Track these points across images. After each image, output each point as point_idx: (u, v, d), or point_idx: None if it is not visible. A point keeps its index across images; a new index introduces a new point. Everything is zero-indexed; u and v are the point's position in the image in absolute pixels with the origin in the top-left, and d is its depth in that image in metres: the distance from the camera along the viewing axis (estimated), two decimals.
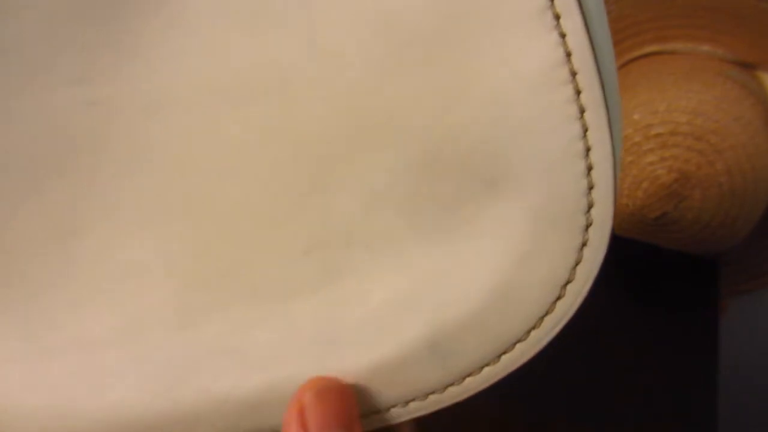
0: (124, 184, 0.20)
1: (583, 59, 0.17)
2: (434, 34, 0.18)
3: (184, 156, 0.20)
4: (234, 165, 0.20)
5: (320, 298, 0.20)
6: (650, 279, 0.44)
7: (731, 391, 0.39)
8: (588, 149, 0.18)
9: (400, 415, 0.20)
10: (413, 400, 0.20)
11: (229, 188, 0.20)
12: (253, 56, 0.19)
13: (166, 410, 0.21)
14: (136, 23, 0.19)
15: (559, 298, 0.19)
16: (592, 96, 0.17)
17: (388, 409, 0.20)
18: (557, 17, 0.17)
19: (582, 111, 0.17)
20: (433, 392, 0.20)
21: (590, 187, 0.18)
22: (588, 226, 0.18)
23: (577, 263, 0.19)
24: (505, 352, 0.19)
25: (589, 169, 0.18)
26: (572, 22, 0.17)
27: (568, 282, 0.19)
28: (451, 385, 0.20)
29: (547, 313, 0.19)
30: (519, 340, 0.19)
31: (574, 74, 0.17)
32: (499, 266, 0.19)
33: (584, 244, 0.18)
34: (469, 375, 0.20)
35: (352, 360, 0.20)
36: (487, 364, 0.20)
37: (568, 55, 0.17)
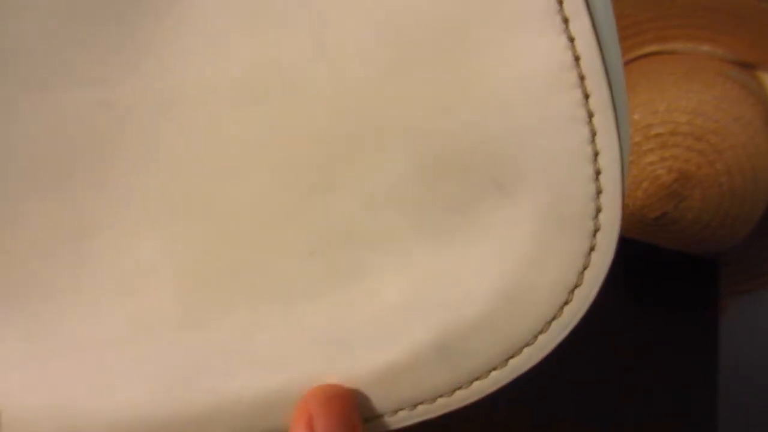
0: (132, 185, 0.20)
1: (591, 64, 0.17)
2: (440, 35, 0.18)
3: (188, 156, 0.20)
4: (236, 165, 0.20)
5: (327, 298, 0.20)
6: (650, 279, 0.44)
7: (731, 391, 0.39)
8: (596, 154, 0.18)
9: (408, 417, 0.20)
10: (421, 403, 0.20)
11: (233, 188, 0.20)
12: (253, 56, 0.19)
13: (175, 410, 0.21)
14: (150, 21, 0.19)
15: (566, 302, 0.19)
16: (600, 100, 0.17)
17: (396, 411, 0.20)
18: (566, 21, 0.17)
19: (590, 115, 0.17)
20: (441, 395, 0.20)
21: (598, 192, 0.18)
22: (596, 231, 0.18)
23: (584, 268, 0.19)
24: (512, 356, 0.19)
25: (598, 173, 0.18)
26: (581, 26, 0.17)
27: (575, 286, 0.19)
28: (459, 388, 0.20)
29: (554, 318, 0.19)
30: (527, 344, 0.19)
31: (582, 78, 0.17)
32: (507, 269, 0.19)
33: (592, 249, 0.18)
34: (476, 378, 0.20)
35: (360, 361, 0.20)
36: (495, 368, 0.20)
37: (577, 59, 0.17)
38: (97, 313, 0.21)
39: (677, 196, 0.43)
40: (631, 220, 0.44)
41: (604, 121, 0.17)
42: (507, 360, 0.20)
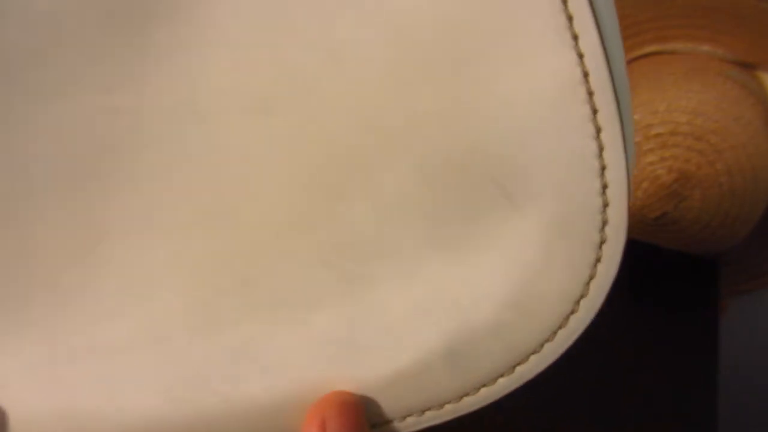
0: (145, 192, 0.20)
1: (600, 80, 0.17)
2: (452, 48, 0.18)
3: (201, 164, 0.20)
4: (250, 174, 0.20)
5: (339, 306, 0.20)
6: (650, 279, 0.44)
7: (731, 391, 0.39)
8: (603, 168, 0.18)
9: (416, 423, 0.21)
10: (429, 409, 0.21)
11: (246, 197, 0.20)
12: (266, 66, 0.19)
13: (186, 416, 0.21)
14: (163, 31, 0.19)
15: (572, 312, 0.19)
16: (608, 116, 0.17)
17: (404, 417, 0.21)
18: (575, 38, 0.17)
19: (599, 131, 0.18)
20: (449, 401, 0.20)
21: (605, 205, 0.18)
22: (602, 242, 0.19)
23: (590, 278, 0.19)
24: (519, 363, 0.20)
25: (605, 187, 0.18)
26: (590, 43, 0.17)
27: (581, 297, 0.19)
28: (467, 394, 0.20)
29: (560, 327, 0.19)
30: (533, 352, 0.20)
31: (590, 94, 0.17)
32: (515, 278, 0.19)
33: (598, 260, 0.19)
34: (484, 385, 0.20)
35: (370, 368, 0.20)
36: (503, 375, 0.20)
37: (586, 75, 0.17)
38: (108, 318, 0.21)
39: (677, 196, 0.44)
40: (631, 220, 0.44)
41: (612, 136, 0.18)
42: (514, 367, 0.20)
